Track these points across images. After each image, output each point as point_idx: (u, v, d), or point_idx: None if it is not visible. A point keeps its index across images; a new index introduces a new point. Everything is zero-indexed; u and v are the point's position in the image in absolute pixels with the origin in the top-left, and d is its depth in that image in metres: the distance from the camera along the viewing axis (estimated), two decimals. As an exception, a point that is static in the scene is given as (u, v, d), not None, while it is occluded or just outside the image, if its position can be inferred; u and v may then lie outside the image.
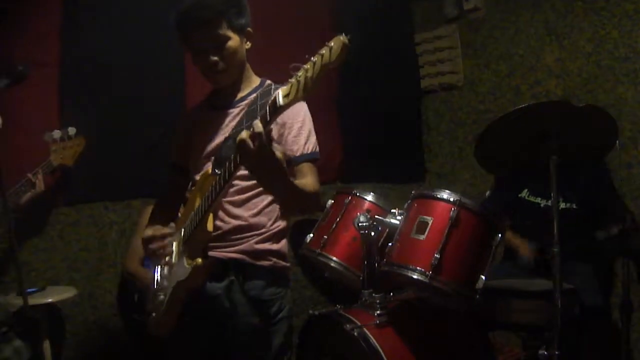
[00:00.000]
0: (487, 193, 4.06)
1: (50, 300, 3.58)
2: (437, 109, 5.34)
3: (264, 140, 1.91)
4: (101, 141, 3.87)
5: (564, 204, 3.73)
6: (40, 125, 3.82)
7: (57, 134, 3.58)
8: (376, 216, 2.70)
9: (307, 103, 2.50)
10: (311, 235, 2.97)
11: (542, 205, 3.81)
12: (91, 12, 4.00)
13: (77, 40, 3.97)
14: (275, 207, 2.54)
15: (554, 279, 2.52)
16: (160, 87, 4.12)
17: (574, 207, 3.75)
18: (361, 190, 2.95)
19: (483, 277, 2.41)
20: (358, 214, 2.70)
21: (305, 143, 2.46)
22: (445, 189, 2.56)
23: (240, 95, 2.59)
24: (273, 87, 2.58)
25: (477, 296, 2.40)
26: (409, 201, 2.66)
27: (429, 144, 5.40)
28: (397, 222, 2.66)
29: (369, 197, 2.91)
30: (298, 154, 2.43)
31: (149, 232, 2.55)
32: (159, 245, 2.50)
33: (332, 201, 3.02)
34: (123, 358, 4.17)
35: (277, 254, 2.52)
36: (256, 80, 2.64)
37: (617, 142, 2.74)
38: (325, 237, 2.85)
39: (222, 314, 2.45)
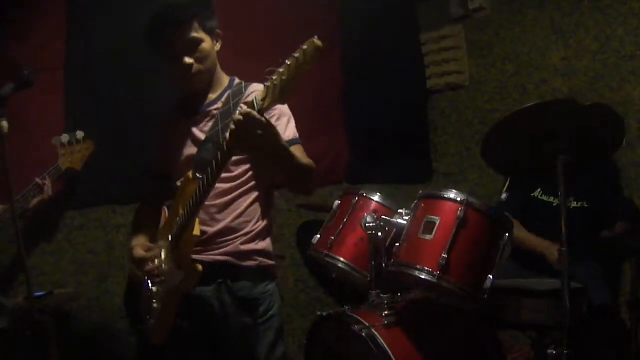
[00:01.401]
0: (503, 196, 4.04)
1: (57, 303, 3.59)
2: (444, 109, 5.33)
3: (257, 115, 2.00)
4: (107, 144, 3.87)
5: (576, 202, 3.72)
6: (46, 129, 3.82)
7: (65, 138, 3.58)
8: (383, 216, 2.70)
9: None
10: (318, 236, 2.97)
11: (555, 204, 3.79)
12: (95, 15, 4.01)
13: (82, 44, 3.97)
14: (257, 207, 2.57)
15: (563, 278, 2.51)
16: (167, 89, 4.12)
17: (585, 205, 3.74)
18: (368, 190, 2.95)
19: (491, 277, 2.40)
20: (365, 214, 2.70)
21: (286, 130, 2.49)
22: (453, 188, 2.56)
23: (212, 97, 2.61)
24: (243, 85, 2.61)
25: (485, 296, 2.39)
26: (416, 201, 2.65)
27: (435, 144, 5.39)
28: (404, 223, 2.65)
29: (376, 198, 2.91)
30: (285, 139, 2.42)
31: (140, 252, 2.56)
32: (152, 267, 2.52)
33: (339, 202, 3.02)
34: (131, 361, 4.18)
35: (262, 253, 2.55)
36: (225, 80, 2.66)
37: (625, 140, 2.73)
38: (333, 238, 2.84)
39: (213, 316, 2.49)
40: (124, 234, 4.18)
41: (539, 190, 3.87)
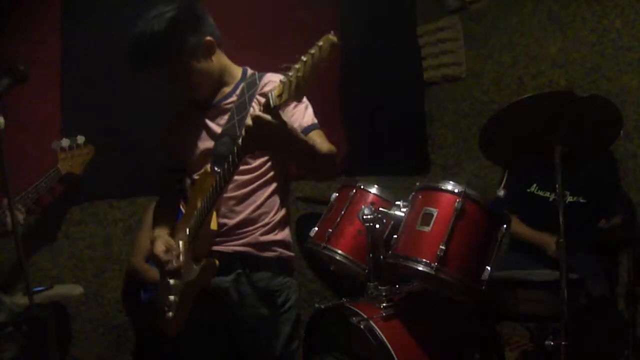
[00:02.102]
0: (502, 193, 4.04)
1: (56, 298, 3.59)
2: (441, 100, 5.33)
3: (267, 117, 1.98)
4: (104, 139, 3.87)
5: (571, 197, 3.73)
6: (42, 125, 3.83)
7: (65, 142, 3.57)
8: (381, 208, 2.70)
9: (309, 96, 2.51)
10: (316, 228, 2.96)
11: (551, 199, 3.80)
12: (91, 10, 4.00)
13: (78, 39, 3.96)
14: (276, 198, 2.57)
15: (560, 269, 2.52)
16: (164, 83, 4.12)
17: (581, 200, 3.74)
18: (365, 182, 2.94)
19: (489, 268, 2.40)
20: (362, 206, 2.69)
21: (304, 117, 2.48)
22: (450, 180, 2.56)
23: (226, 90, 2.59)
24: (257, 75, 2.59)
25: (483, 287, 2.39)
26: (414, 193, 2.65)
27: (432, 136, 5.39)
28: (402, 214, 2.65)
29: (373, 190, 2.90)
30: (304, 126, 2.45)
31: (160, 247, 2.57)
32: (171, 264, 2.52)
33: (337, 194, 3.01)
34: (129, 355, 4.18)
35: (281, 244, 2.56)
36: (238, 72, 2.63)
37: (622, 131, 2.73)
38: (330, 230, 2.84)
39: (231, 307, 2.49)
40: (122, 229, 4.19)
41: (535, 185, 3.88)
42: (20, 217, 3.26)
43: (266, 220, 2.52)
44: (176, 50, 2.38)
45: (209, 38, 2.48)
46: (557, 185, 2.61)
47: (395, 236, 2.58)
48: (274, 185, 2.55)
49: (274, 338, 2.51)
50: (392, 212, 2.70)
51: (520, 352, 3.77)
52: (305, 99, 2.52)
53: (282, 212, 2.59)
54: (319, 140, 2.41)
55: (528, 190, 3.92)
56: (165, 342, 2.73)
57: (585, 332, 3.02)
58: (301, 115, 2.47)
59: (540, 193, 3.86)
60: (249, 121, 2.03)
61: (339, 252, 2.81)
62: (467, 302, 2.65)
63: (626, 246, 3.50)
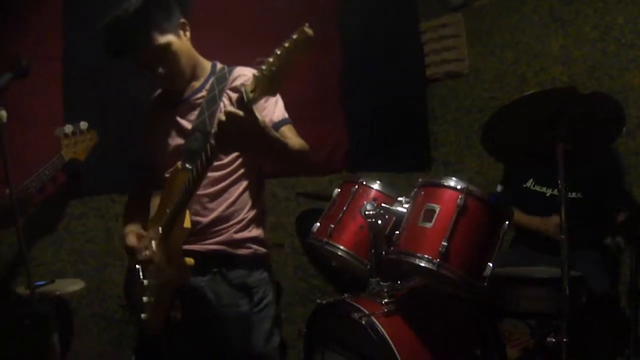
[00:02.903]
0: (499, 188, 4.05)
1: (58, 293, 3.59)
2: (443, 97, 5.32)
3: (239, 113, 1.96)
4: (106, 133, 3.87)
5: (570, 193, 3.72)
6: (45, 119, 3.83)
7: (68, 128, 3.56)
8: (383, 204, 2.70)
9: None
10: (318, 224, 2.96)
11: (547, 194, 3.80)
12: (92, 6, 3.99)
13: (80, 34, 3.96)
14: (249, 194, 2.57)
15: (562, 266, 2.52)
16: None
17: (580, 196, 3.74)
18: (367, 178, 2.94)
19: (491, 265, 2.40)
20: (365, 202, 2.69)
21: (275, 111, 2.48)
22: (452, 177, 2.56)
23: (195, 84, 2.59)
24: (226, 69, 2.58)
25: (485, 284, 2.39)
26: (416, 189, 2.65)
27: (435, 132, 5.38)
28: (404, 210, 2.65)
29: (376, 186, 2.91)
30: (275, 121, 2.45)
31: (132, 240, 2.56)
32: (144, 256, 2.51)
33: (339, 190, 3.02)
34: (130, 350, 4.18)
35: (256, 240, 2.56)
36: (207, 66, 2.62)
37: (624, 129, 2.73)
38: (332, 226, 2.84)
39: (208, 306, 2.48)
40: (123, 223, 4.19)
41: (531, 180, 3.88)
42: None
43: (240, 217, 2.52)
44: (154, 25, 2.37)
45: (182, 20, 2.49)
46: (559, 182, 2.60)
47: (397, 232, 2.58)
48: (246, 182, 2.55)
49: (253, 335, 2.51)
50: (394, 208, 2.70)
51: (522, 349, 3.77)
52: (277, 95, 2.53)
53: (256, 209, 2.60)
54: (290, 135, 2.42)
55: (524, 185, 3.92)
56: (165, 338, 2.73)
57: (586, 329, 3.02)
58: (272, 109, 2.47)
59: (537, 188, 3.86)
60: (221, 117, 2.01)
61: (341, 247, 2.81)
62: (469, 298, 2.66)
63: (629, 243, 3.50)
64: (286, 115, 2.51)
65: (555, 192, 3.69)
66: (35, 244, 3.92)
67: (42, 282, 3.56)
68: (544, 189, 3.81)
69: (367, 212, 2.64)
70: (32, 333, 3.08)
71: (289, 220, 4.70)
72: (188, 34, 2.52)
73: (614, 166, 3.86)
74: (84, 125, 3.61)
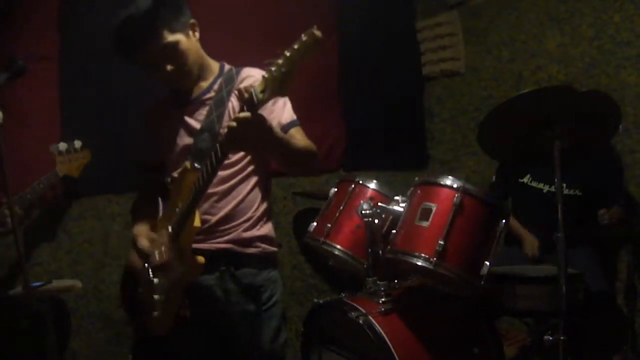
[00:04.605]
0: (493, 179, 4.06)
1: (55, 293, 3.59)
2: (439, 95, 5.32)
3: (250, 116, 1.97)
4: (103, 133, 3.87)
5: (568, 190, 3.73)
6: (41, 118, 3.83)
7: (63, 146, 3.64)
8: (379, 203, 2.69)
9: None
10: (314, 223, 2.96)
11: (545, 190, 3.81)
12: (89, 4, 3.99)
13: (76, 33, 3.97)
14: (257, 192, 2.56)
15: (559, 264, 2.52)
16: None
17: (578, 193, 3.74)
18: (364, 178, 2.94)
19: (488, 263, 2.40)
20: (361, 201, 2.69)
21: (283, 114, 2.48)
22: (449, 175, 2.56)
23: (203, 85, 2.59)
24: (234, 70, 2.59)
25: (482, 282, 2.39)
26: (412, 188, 2.64)
27: (431, 131, 5.38)
28: (401, 209, 2.65)
29: (372, 185, 2.90)
30: (283, 123, 2.45)
31: (144, 242, 2.55)
32: (155, 259, 2.51)
33: (335, 189, 3.01)
34: (128, 350, 4.18)
35: (264, 239, 2.56)
36: (215, 67, 2.63)
37: (620, 126, 2.73)
38: (329, 225, 2.84)
39: (217, 305, 2.48)
40: (120, 223, 4.19)
41: (529, 176, 3.88)
42: (18, 213, 3.28)
43: (248, 215, 2.52)
44: (165, 23, 2.38)
45: (192, 20, 2.50)
46: (555, 180, 2.61)
47: (394, 231, 2.58)
48: (254, 180, 2.55)
49: (260, 334, 2.52)
50: (390, 207, 2.70)
51: (519, 348, 3.78)
52: (284, 97, 2.53)
53: (264, 206, 2.60)
54: (299, 137, 2.42)
55: (520, 180, 3.92)
56: (163, 338, 2.73)
57: (584, 327, 3.03)
58: (280, 112, 2.47)
59: (534, 184, 3.86)
60: (232, 123, 2.02)
61: (338, 247, 2.81)
62: (466, 297, 2.65)
63: (626, 240, 3.51)
64: (294, 117, 2.51)
65: (553, 188, 3.70)
66: (33, 246, 3.92)
67: (39, 283, 3.56)
68: (541, 185, 3.81)
69: (363, 212, 2.63)
70: (29, 333, 3.08)
71: (285, 219, 4.70)
72: (197, 34, 2.53)
73: (612, 163, 3.87)
74: (77, 143, 3.69)
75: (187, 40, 2.46)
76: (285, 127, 2.44)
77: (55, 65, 3.97)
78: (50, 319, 3.45)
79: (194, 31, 2.51)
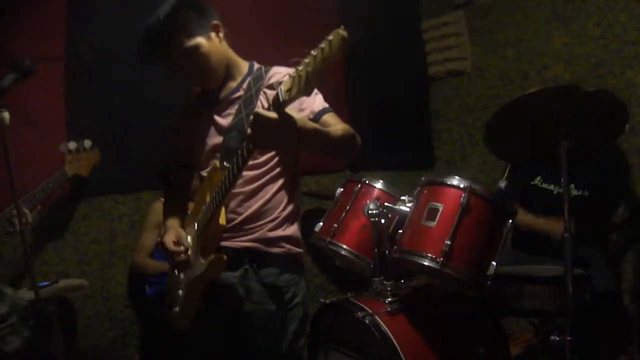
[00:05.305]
0: (503, 184, 4.04)
1: (61, 293, 3.60)
2: (445, 95, 5.32)
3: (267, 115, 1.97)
4: (109, 134, 3.88)
5: (576, 191, 3.72)
6: (48, 119, 3.83)
7: (72, 145, 3.59)
8: (386, 203, 2.70)
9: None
10: (321, 223, 2.97)
11: (555, 192, 3.80)
12: (95, 4, 4.00)
13: (82, 34, 3.97)
14: (284, 193, 2.55)
15: (566, 264, 2.52)
16: (168, 77, 4.12)
17: (586, 194, 3.74)
18: (370, 178, 2.95)
19: (494, 263, 2.40)
20: (368, 201, 2.69)
21: (315, 102, 2.46)
22: (455, 175, 2.56)
23: (233, 84, 2.58)
24: (263, 69, 2.58)
25: (489, 282, 2.39)
26: (419, 188, 2.65)
27: (437, 131, 5.39)
28: (407, 209, 2.65)
29: (379, 185, 2.91)
30: (316, 111, 2.43)
31: (171, 239, 2.57)
32: (181, 257, 2.52)
33: (342, 189, 3.02)
34: (134, 349, 4.19)
35: (290, 239, 2.54)
36: (245, 66, 2.62)
37: (627, 126, 2.73)
38: (335, 225, 2.84)
39: (238, 302, 2.47)
40: (126, 223, 4.20)
41: (539, 178, 3.87)
42: (28, 217, 3.28)
43: (274, 215, 2.51)
44: (181, 29, 2.38)
45: (215, 22, 2.49)
46: (562, 180, 2.60)
47: (401, 231, 2.58)
48: (281, 181, 2.54)
49: (280, 335, 2.49)
50: (397, 207, 2.70)
51: (525, 347, 3.78)
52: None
53: (291, 207, 2.58)
54: (333, 122, 2.39)
55: (532, 182, 3.92)
56: (170, 336, 2.73)
57: (590, 327, 3.02)
58: (312, 101, 2.45)
59: (545, 186, 3.85)
60: (251, 117, 2.02)
61: (344, 247, 2.82)
62: (472, 297, 2.66)
63: (633, 241, 3.51)
64: (326, 105, 2.49)
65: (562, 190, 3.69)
66: (41, 247, 3.93)
67: (47, 283, 3.57)
68: (551, 187, 3.80)
69: (370, 212, 2.64)
70: (36, 332, 3.08)
71: (292, 219, 4.70)
72: (221, 34, 2.52)
73: (619, 164, 3.86)
74: (87, 143, 3.64)
75: (208, 42, 2.44)
76: (318, 115, 2.42)
77: (62, 65, 3.97)
78: (56, 319, 3.47)
79: (217, 32, 2.50)
